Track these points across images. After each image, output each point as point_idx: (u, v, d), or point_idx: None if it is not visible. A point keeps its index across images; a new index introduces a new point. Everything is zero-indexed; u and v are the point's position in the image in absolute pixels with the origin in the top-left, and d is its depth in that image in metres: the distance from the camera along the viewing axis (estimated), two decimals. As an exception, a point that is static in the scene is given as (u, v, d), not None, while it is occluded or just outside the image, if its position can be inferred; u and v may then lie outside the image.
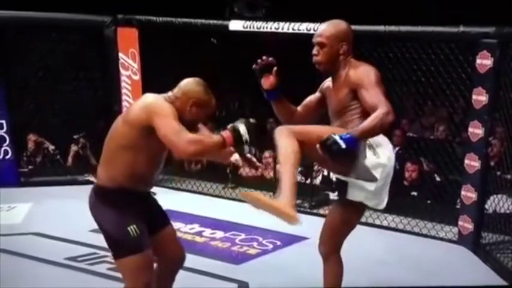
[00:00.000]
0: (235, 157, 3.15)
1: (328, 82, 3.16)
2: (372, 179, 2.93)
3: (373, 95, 2.86)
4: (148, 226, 2.93)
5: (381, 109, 2.79)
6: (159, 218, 3.05)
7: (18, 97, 6.75)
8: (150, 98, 2.83)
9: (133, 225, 2.79)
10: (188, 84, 2.90)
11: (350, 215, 3.21)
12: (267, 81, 3.14)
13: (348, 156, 2.82)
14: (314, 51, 3.03)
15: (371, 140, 2.92)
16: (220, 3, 6.01)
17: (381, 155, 2.94)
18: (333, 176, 6.14)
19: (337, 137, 2.74)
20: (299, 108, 3.25)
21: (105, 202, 2.85)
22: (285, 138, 2.85)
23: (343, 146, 2.73)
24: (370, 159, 2.92)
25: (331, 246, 3.24)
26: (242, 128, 2.80)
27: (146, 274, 2.83)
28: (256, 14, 5.81)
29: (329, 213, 3.35)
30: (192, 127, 2.85)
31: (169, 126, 2.69)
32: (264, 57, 3.13)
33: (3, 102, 6.31)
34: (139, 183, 2.86)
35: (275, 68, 3.12)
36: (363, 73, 2.93)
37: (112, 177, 2.84)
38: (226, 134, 2.79)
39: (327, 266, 3.27)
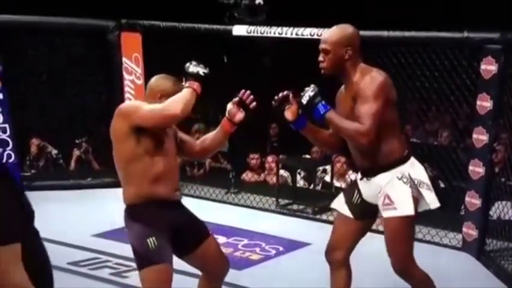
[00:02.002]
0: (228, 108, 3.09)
1: (341, 88, 3.12)
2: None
3: (365, 108, 2.84)
4: (183, 242, 2.95)
5: (362, 126, 2.83)
6: (196, 233, 3.02)
7: (22, 101, 6.75)
8: (119, 107, 2.91)
9: (153, 237, 2.78)
10: (153, 80, 3.02)
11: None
12: (290, 112, 3.01)
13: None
14: (320, 58, 3.00)
15: (415, 178, 2.99)
16: (222, 8, 6.00)
17: (426, 182, 3.02)
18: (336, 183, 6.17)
19: (309, 93, 2.91)
20: (331, 129, 3.13)
21: (131, 218, 2.88)
22: (413, 281, 3.05)
23: (304, 102, 2.91)
24: (429, 197, 3.02)
25: (345, 253, 3.20)
26: (193, 69, 2.86)
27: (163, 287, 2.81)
28: (257, 19, 5.79)
29: (345, 219, 3.22)
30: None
31: (148, 112, 2.80)
32: (280, 94, 3.02)
33: (7, 106, 6.31)
34: (158, 186, 2.86)
35: (291, 95, 3.02)
36: (366, 83, 2.89)
37: (132, 194, 2.88)
38: (188, 83, 2.84)
39: (338, 276, 3.21)
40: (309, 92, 2.93)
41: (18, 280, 1.25)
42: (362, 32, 3.10)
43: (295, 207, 5.97)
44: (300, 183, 6.50)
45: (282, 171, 6.42)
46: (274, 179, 6.37)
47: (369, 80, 2.89)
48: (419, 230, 5.13)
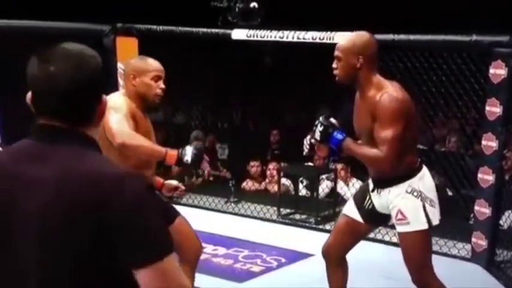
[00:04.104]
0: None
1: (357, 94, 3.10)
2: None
3: (384, 134, 2.85)
4: None
5: (381, 153, 2.85)
6: (167, 213, 3.07)
7: (16, 107, 6.61)
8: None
9: None
10: (126, 64, 3.18)
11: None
12: (321, 150, 3.15)
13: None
14: (333, 65, 3.00)
15: (423, 192, 2.98)
16: (215, 12, 5.87)
17: (431, 197, 3.01)
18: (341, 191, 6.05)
19: (319, 129, 2.97)
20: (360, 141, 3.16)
21: None
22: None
23: (318, 139, 3.00)
24: (433, 214, 3.02)
25: (343, 252, 3.23)
26: (187, 151, 2.96)
27: None
28: (252, 22, 5.64)
29: (352, 221, 3.22)
30: (156, 101, 3.03)
31: (109, 124, 2.84)
32: (306, 143, 3.17)
33: (0, 112, 6.19)
34: (141, 168, 2.91)
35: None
36: (384, 105, 2.85)
37: None
38: (172, 151, 2.95)
39: (334, 273, 3.25)
40: (318, 128, 3.01)
41: (188, 283, 1.39)
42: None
43: (297, 216, 5.89)
44: (302, 191, 6.39)
45: (283, 180, 6.33)
46: (276, 188, 6.27)
47: (387, 101, 2.85)
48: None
